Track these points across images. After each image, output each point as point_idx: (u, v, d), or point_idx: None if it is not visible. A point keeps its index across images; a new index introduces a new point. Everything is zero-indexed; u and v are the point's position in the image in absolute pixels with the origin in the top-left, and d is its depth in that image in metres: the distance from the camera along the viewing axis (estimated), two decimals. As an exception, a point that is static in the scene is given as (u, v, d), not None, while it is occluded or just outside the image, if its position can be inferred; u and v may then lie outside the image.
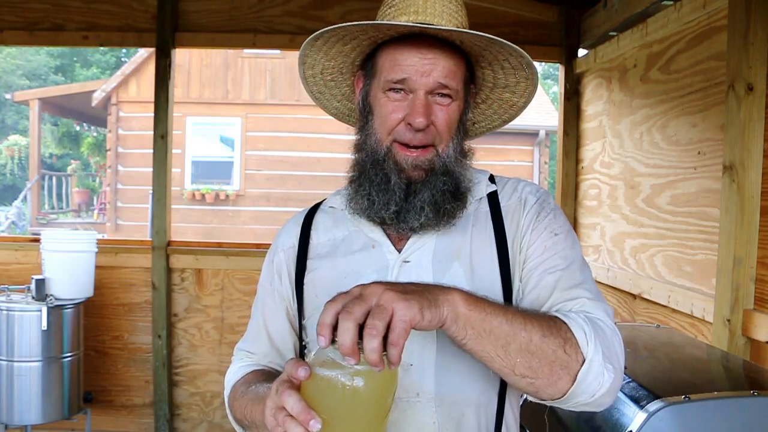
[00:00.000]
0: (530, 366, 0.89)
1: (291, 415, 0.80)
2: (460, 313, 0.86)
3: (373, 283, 0.84)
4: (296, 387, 0.82)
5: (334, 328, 0.80)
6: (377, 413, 0.82)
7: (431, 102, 1.04)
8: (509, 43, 1.02)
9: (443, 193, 1.05)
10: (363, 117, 1.12)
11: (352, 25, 1.02)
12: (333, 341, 0.80)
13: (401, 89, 1.04)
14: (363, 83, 1.13)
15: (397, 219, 1.06)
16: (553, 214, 1.10)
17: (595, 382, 0.92)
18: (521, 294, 1.07)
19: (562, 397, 0.93)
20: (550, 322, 0.93)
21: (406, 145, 1.05)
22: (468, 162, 1.12)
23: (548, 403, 0.96)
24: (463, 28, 1.06)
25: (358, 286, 0.84)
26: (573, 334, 0.92)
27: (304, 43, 1.10)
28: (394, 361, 0.78)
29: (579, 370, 0.91)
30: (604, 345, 0.94)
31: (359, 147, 1.12)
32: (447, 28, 1.00)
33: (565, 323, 0.93)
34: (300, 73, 1.18)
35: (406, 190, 1.05)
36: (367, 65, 1.12)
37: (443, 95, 1.04)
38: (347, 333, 0.78)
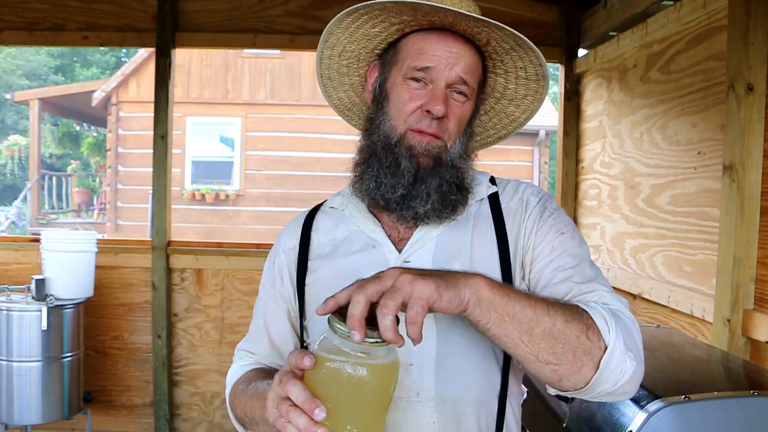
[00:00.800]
0: (554, 352, 0.89)
1: (295, 405, 0.80)
2: (483, 296, 0.86)
3: (391, 267, 0.85)
4: (300, 377, 0.82)
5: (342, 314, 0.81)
6: (381, 401, 0.82)
7: (449, 95, 1.06)
8: (535, 47, 1.03)
9: (450, 184, 1.06)
10: (377, 104, 1.12)
11: (389, 0, 1.01)
12: (337, 329, 0.80)
13: (422, 79, 1.05)
14: (379, 71, 1.13)
15: (402, 204, 1.06)
16: (557, 214, 1.11)
17: (618, 369, 0.92)
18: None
19: (586, 386, 0.92)
20: (573, 309, 0.92)
21: (420, 132, 1.06)
22: (471, 162, 1.13)
23: (571, 395, 0.96)
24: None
25: (378, 272, 0.84)
26: (594, 321, 0.92)
27: (335, 18, 1.09)
28: (415, 338, 0.79)
29: (602, 357, 0.91)
30: (625, 334, 0.94)
31: (370, 132, 1.11)
32: (483, 18, 1.01)
33: (586, 311, 0.93)
34: (318, 53, 1.16)
35: (414, 176, 1.06)
36: (386, 55, 1.13)
37: (460, 92, 1.06)
38: (357, 306, 0.78)
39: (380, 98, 1.11)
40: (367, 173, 1.09)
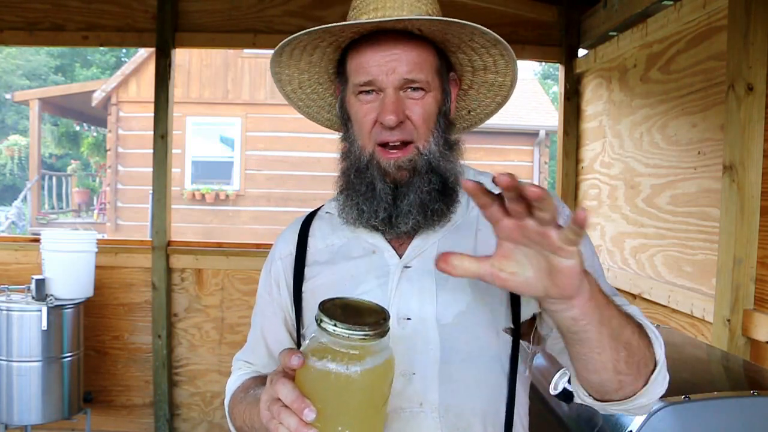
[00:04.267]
0: (628, 361, 0.86)
1: (286, 406, 0.78)
2: (595, 294, 0.80)
3: None
4: (291, 377, 0.80)
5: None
6: (373, 401, 0.79)
7: (403, 98, 1.02)
8: (462, 21, 0.98)
9: (429, 193, 1.03)
10: (343, 124, 1.10)
11: (302, 33, 1.00)
12: (324, 326, 0.77)
13: (371, 90, 1.02)
14: (339, 92, 1.11)
15: (390, 224, 1.04)
16: (567, 219, 1.08)
17: (662, 384, 0.91)
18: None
19: (629, 398, 0.90)
20: (634, 321, 0.90)
21: (386, 145, 1.03)
22: (455, 155, 1.08)
23: (604, 405, 0.93)
24: (427, 15, 1.03)
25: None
26: (649, 335, 0.91)
27: (270, 61, 1.08)
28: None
29: (652, 372, 0.89)
30: None
31: (345, 155, 1.09)
32: (393, 18, 0.97)
33: (641, 323, 0.91)
34: (280, 92, 1.15)
35: (393, 195, 1.03)
36: (339, 74, 1.10)
37: (414, 89, 1.02)
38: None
39: (344, 119, 1.09)
40: (347, 202, 1.07)
